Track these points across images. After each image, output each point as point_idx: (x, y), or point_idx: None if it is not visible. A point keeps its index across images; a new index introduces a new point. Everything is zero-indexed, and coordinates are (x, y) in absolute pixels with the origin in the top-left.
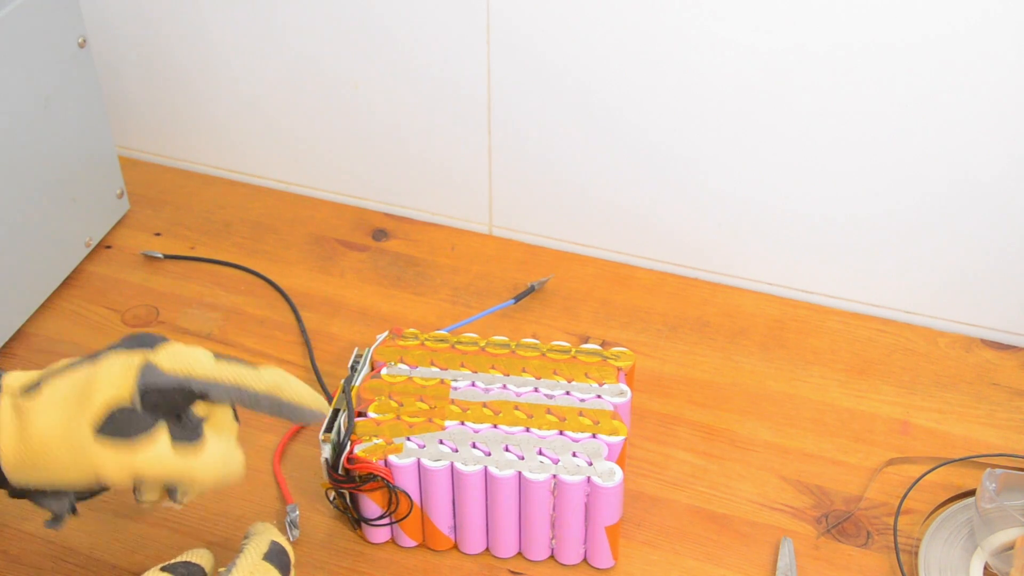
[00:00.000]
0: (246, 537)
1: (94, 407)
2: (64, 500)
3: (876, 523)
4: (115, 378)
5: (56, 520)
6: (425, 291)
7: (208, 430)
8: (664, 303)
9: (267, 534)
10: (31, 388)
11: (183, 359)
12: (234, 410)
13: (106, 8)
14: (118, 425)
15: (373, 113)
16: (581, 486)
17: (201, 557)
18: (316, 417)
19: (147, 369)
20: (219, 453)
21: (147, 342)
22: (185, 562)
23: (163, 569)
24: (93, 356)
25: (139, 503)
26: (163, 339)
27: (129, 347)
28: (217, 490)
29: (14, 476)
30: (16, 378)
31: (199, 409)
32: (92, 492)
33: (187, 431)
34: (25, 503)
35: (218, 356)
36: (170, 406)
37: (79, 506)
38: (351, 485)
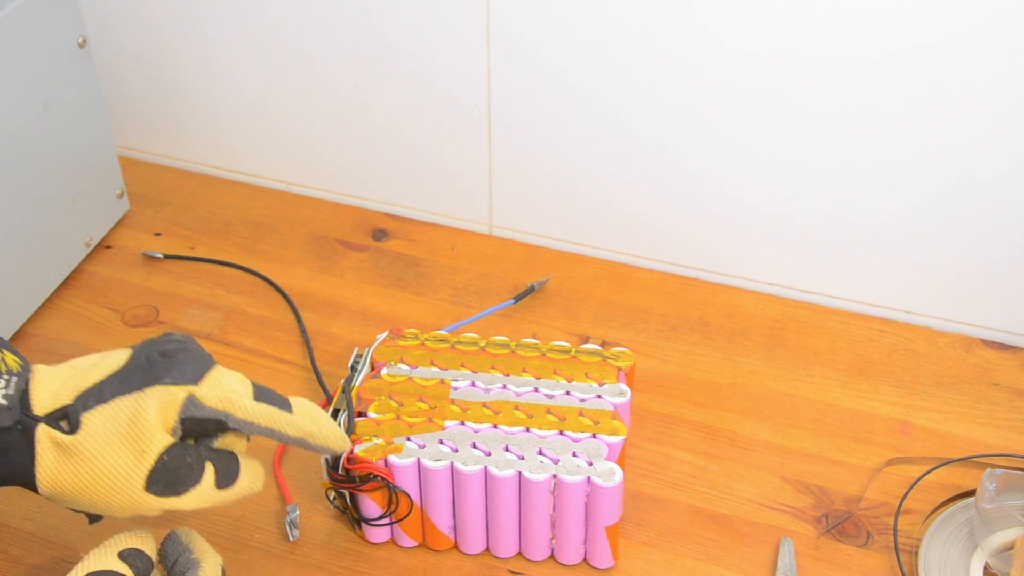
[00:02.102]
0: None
1: (148, 459)
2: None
3: (876, 523)
4: (162, 418)
5: (94, 520)
6: (425, 291)
7: (237, 454)
8: (664, 303)
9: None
10: (66, 415)
11: (225, 395)
12: None
13: (106, 8)
14: (170, 477)
15: (373, 113)
16: (581, 486)
17: (146, 543)
18: (337, 455)
19: (190, 402)
20: (248, 480)
21: (191, 373)
22: (139, 551)
23: (120, 556)
24: (130, 372)
25: None
26: (207, 364)
27: (175, 379)
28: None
29: (53, 499)
30: (45, 398)
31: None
32: None
33: (227, 467)
34: (28, 502)
35: (257, 390)
36: (201, 432)
37: None
38: (351, 485)
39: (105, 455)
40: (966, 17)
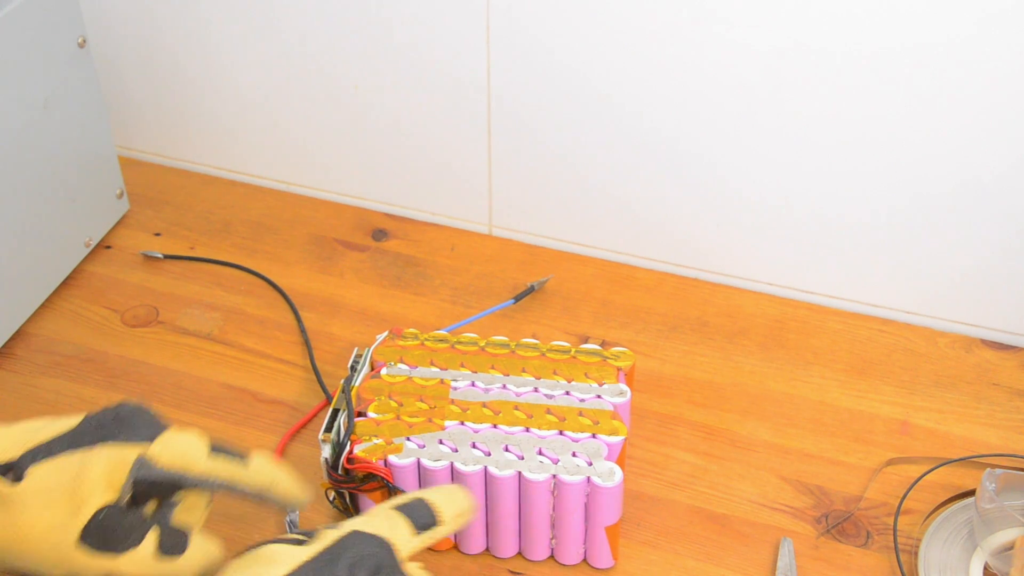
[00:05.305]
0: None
1: (83, 514)
2: None
3: (876, 523)
4: (108, 476)
5: None
6: (425, 291)
7: (185, 519)
8: (664, 303)
9: (419, 492)
10: (10, 468)
11: (179, 454)
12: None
13: (106, 8)
14: (106, 534)
15: (373, 113)
16: (581, 486)
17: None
18: (299, 508)
19: (141, 463)
20: (200, 555)
21: (144, 433)
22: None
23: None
24: (81, 432)
25: None
26: (160, 427)
27: (127, 439)
28: None
29: None
30: None
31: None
32: None
33: (173, 537)
34: None
35: (213, 446)
36: (157, 493)
37: None
38: (351, 485)
39: (42, 506)
40: (970, 17)
